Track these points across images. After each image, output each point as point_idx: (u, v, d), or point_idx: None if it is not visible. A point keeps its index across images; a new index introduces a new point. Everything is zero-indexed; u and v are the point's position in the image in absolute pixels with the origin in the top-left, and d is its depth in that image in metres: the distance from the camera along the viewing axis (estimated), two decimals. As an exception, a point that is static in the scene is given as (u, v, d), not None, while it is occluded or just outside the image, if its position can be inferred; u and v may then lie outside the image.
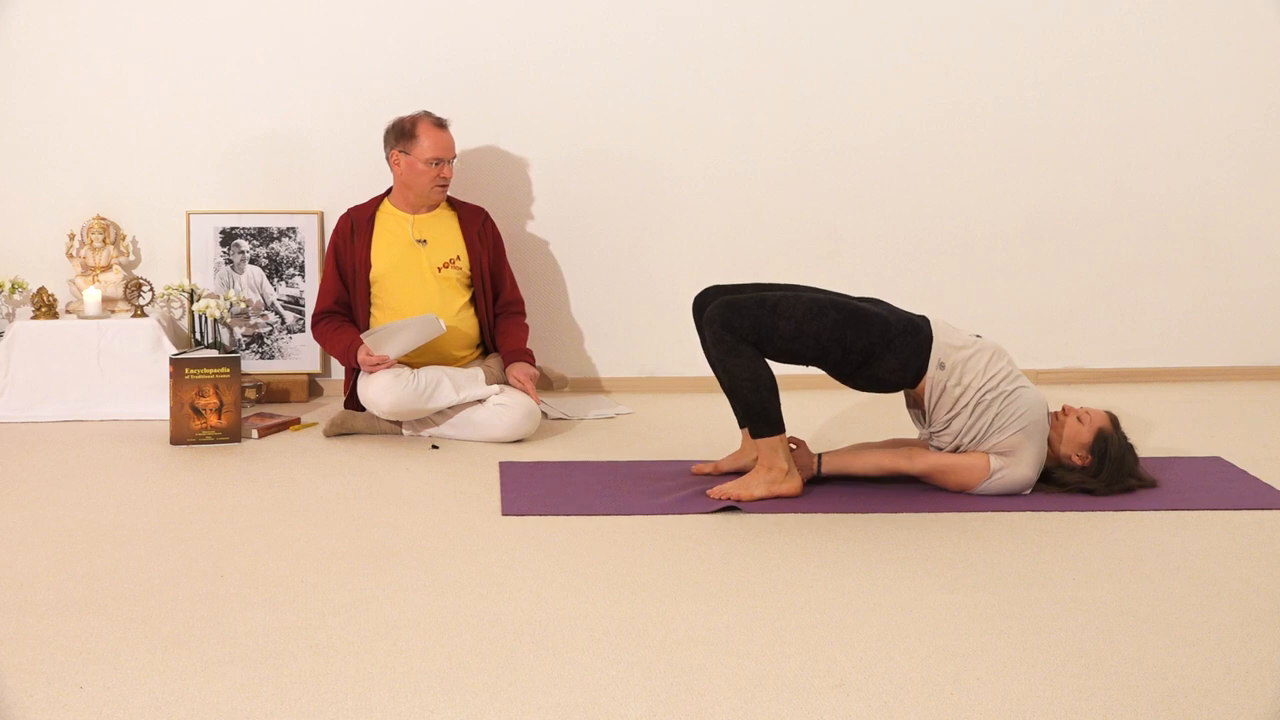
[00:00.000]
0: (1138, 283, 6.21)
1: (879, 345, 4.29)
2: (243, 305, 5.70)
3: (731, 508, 4.24)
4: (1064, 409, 4.44)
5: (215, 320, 5.61)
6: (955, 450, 4.37)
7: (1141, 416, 5.45)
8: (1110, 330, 6.23)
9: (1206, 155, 6.15)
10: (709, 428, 5.27)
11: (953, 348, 4.33)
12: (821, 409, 5.55)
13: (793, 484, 4.36)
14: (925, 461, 4.37)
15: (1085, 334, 6.22)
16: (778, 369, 4.41)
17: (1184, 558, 3.84)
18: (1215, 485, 4.57)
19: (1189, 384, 6.19)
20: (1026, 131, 6.06)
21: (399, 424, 5.14)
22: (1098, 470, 4.36)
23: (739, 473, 4.57)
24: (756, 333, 4.26)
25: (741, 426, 4.62)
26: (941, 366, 4.31)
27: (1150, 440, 5.09)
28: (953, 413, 4.32)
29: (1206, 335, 6.26)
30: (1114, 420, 4.44)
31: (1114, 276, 6.20)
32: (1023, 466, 4.31)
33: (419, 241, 5.27)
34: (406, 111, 5.31)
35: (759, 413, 4.32)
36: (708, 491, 4.39)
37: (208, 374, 5.00)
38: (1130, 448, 4.44)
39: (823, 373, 4.55)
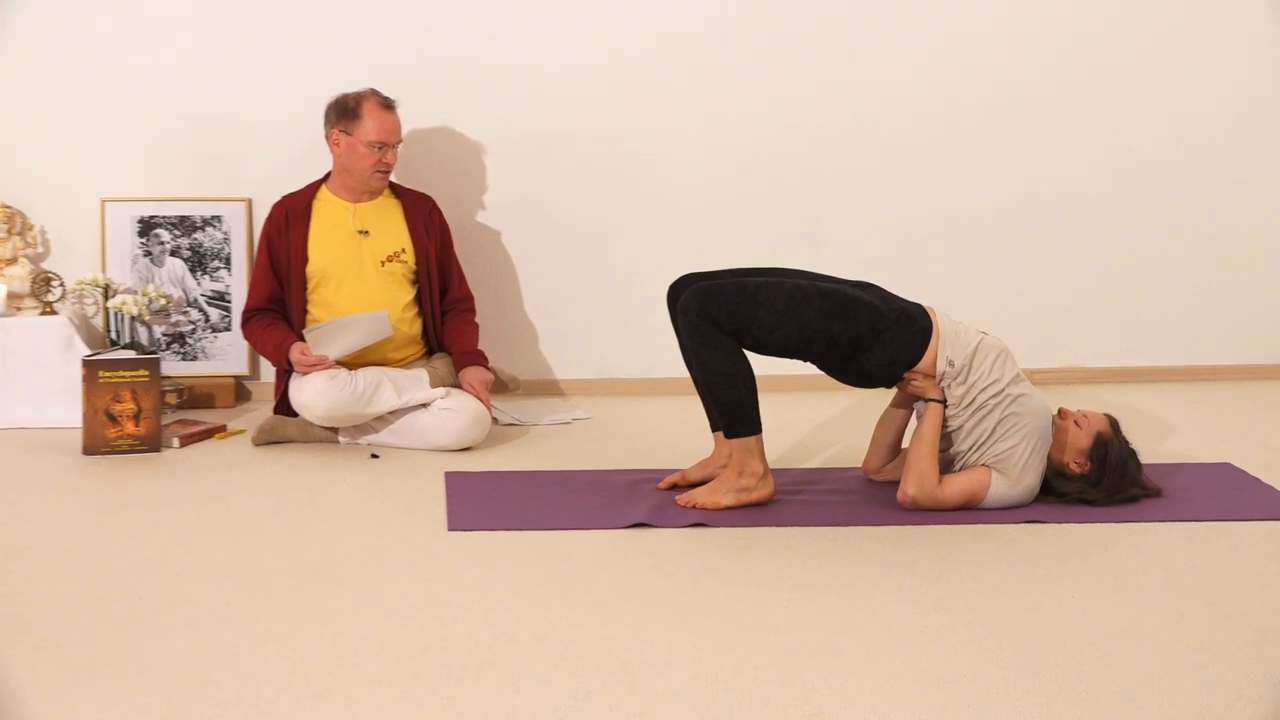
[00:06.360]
0: (1140, 275, 6.24)
1: (868, 337, 4.29)
2: (163, 301, 5.66)
3: (700, 522, 4.23)
4: (1060, 412, 4.45)
5: (132, 318, 5.57)
6: (953, 460, 4.38)
7: (1144, 419, 5.47)
8: (1110, 326, 6.26)
9: (1212, 139, 6.18)
10: (674, 434, 5.26)
11: (960, 344, 4.34)
12: (809, 414, 5.56)
13: (766, 489, 4.38)
14: (944, 493, 4.34)
15: (1083, 330, 6.24)
16: (764, 364, 4.41)
17: (1191, 572, 3.86)
18: (1225, 494, 4.60)
19: (1196, 384, 6.22)
20: (1021, 112, 6.07)
21: (335, 431, 5.13)
22: (1098, 478, 4.38)
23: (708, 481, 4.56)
24: (734, 322, 4.26)
25: (714, 429, 4.62)
26: (951, 364, 4.32)
27: (1154, 445, 5.12)
28: (952, 412, 4.33)
29: (1214, 331, 6.29)
30: (1114, 424, 4.46)
31: (1114, 269, 6.22)
32: (1027, 478, 4.32)
33: (360, 233, 5.26)
34: (349, 88, 5.28)
35: (734, 411, 4.33)
36: (677, 499, 4.41)
37: (124, 377, 4.97)
38: (1132, 453, 4.45)
39: (808, 371, 4.55)
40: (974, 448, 4.36)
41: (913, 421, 4.59)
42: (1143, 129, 6.14)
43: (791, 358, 4.41)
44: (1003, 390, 4.32)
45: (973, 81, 6.05)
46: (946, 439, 4.39)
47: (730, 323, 4.26)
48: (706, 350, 4.29)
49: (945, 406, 4.36)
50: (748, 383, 4.31)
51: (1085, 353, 6.26)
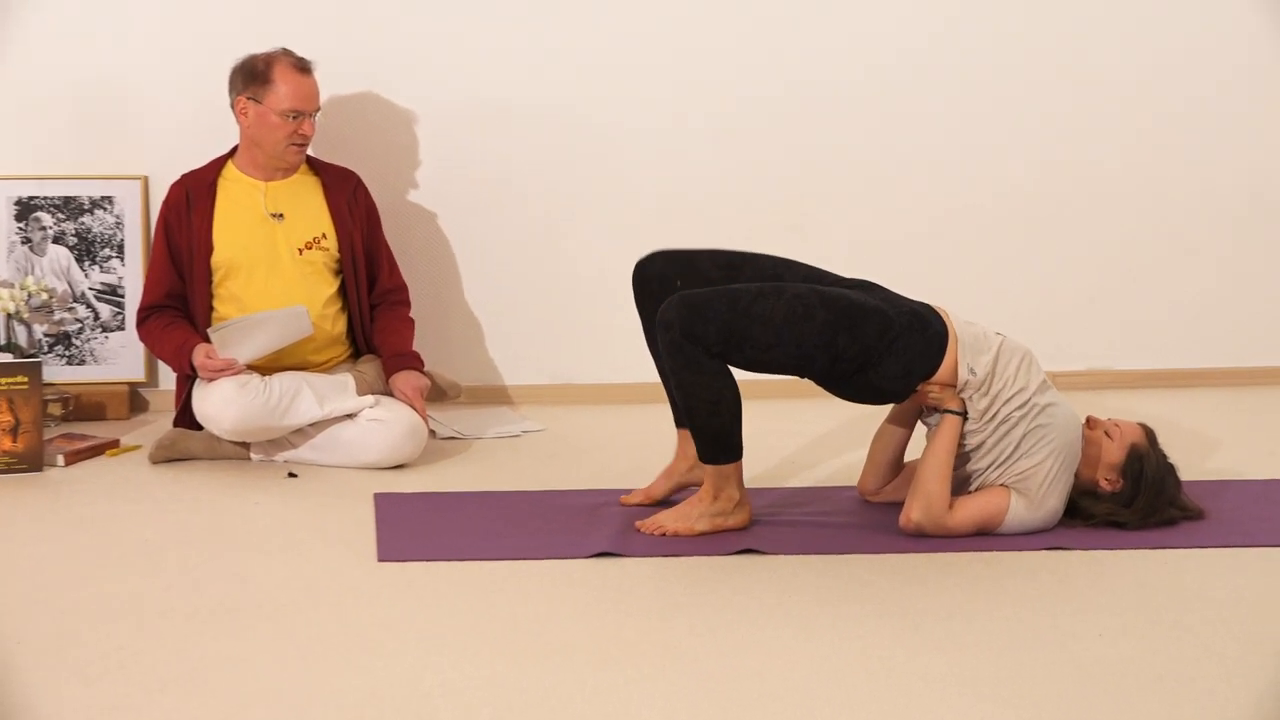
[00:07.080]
0: (1174, 264, 6.27)
1: (877, 348, 4.28)
2: (44, 296, 5.65)
3: (671, 552, 4.24)
4: (1089, 421, 4.47)
5: (9, 316, 5.56)
6: (968, 478, 4.39)
7: (1185, 430, 5.49)
8: (1142, 323, 6.28)
9: (1254, 103, 6.21)
10: (638, 447, 5.26)
11: (980, 349, 4.34)
12: (798, 425, 5.56)
13: (741, 516, 4.39)
14: (954, 521, 4.35)
15: (1110, 328, 6.27)
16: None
17: (1237, 608, 3.88)
18: (1278, 515, 4.62)
19: (1243, 388, 6.25)
20: (1033, 75, 6.10)
21: (246, 446, 5.12)
22: (1131, 497, 4.40)
23: (673, 502, 4.55)
24: (724, 343, 4.23)
25: (679, 426, 4.61)
26: (973, 372, 4.32)
27: (1196, 459, 5.14)
28: (972, 427, 4.33)
29: (1262, 328, 6.32)
30: (1150, 435, 4.48)
31: (1145, 256, 6.25)
32: (1050, 500, 4.33)
33: (274, 216, 5.25)
34: (260, 48, 5.27)
35: (715, 437, 4.32)
36: (637, 524, 4.40)
37: (0, 384, 4.95)
38: (1171, 469, 4.47)
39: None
40: (994, 465, 4.36)
41: (917, 436, 4.59)
42: (1171, 94, 6.17)
43: (785, 374, 4.39)
44: (1029, 400, 4.33)
45: (978, 42, 6.07)
46: (961, 456, 4.40)
47: (719, 344, 4.22)
48: (688, 373, 4.26)
49: (965, 419, 4.35)
50: (733, 409, 4.30)
51: (1113, 353, 6.29)
